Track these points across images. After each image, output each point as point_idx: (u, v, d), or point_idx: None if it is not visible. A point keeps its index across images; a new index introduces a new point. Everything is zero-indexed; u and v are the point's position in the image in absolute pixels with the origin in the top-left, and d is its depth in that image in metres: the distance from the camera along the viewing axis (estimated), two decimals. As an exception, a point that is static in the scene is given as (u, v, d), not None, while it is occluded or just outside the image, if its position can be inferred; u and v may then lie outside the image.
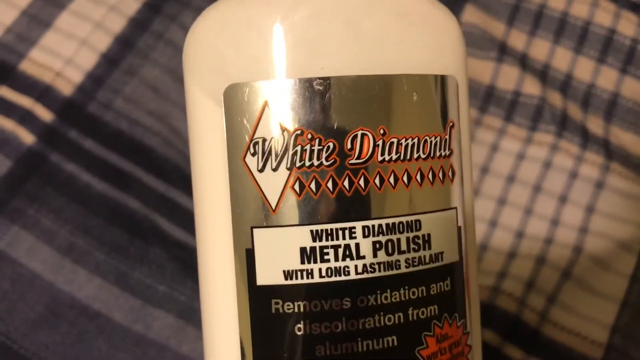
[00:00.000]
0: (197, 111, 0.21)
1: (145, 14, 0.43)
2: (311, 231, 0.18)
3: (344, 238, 0.18)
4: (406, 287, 0.19)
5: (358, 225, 0.18)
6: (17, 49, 0.41)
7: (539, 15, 0.43)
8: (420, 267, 0.19)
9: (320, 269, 0.18)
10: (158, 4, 0.43)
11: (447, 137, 0.20)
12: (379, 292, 0.18)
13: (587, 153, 0.40)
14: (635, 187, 0.40)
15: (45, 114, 0.39)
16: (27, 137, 0.39)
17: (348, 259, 0.18)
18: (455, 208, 0.20)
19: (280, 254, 0.19)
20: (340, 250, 0.18)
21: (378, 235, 0.19)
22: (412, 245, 0.19)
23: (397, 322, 0.18)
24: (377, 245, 0.19)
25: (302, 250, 0.18)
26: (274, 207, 0.19)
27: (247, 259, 0.19)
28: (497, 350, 0.37)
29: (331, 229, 0.18)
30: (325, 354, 0.18)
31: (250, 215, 0.19)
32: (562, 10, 0.43)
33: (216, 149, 0.20)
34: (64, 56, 0.41)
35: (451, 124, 0.21)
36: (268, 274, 0.19)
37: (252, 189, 0.19)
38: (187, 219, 0.38)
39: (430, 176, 0.20)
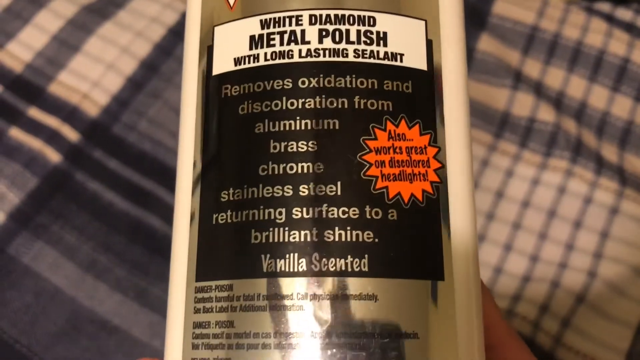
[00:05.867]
0: None
1: (170, 40, 0.44)
2: (260, 20, 0.20)
3: (290, 25, 0.20)
4: (353, 76, 0.19)
5: (305, 13, 0.20)
6: (46, 71, 0.43)
7: (553, 44, 0.44)
8: (372, 60, 0.19)
9: (265, 53, 0.20)
10: (182, 30, 0.45)
11: None
12: (321, 75, 0.19)
13: (601, 179, 0.41)
14: (649, 213, 0.40)
15: (71, 134, 0.41)
16: (54, 156, 0.40)
17: (293, 44, 0.19)
18: (425, 20, 0.20)
19: (232, 44, 0.20)
20: (286, 36, 0.20)
21: (325, 24, 0.19)
22: (363, 38, 0.19)
23: (340, 106, 0.19)
24: (324, 33, 0.19)
25: (252, 38, 0.20)
26: (231, 5, 0.20)
27: (207, 55, 0.21)
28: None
29: (279, 17, 0.20)
30: (263, 131, 0.19)
31: (214, 15, 0.21)
32: (576, 40, 0.44)
33: None
34: (91, 79, 0.43)
35: None
36: (221, 64, 0.20)
37: None
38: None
39: None
